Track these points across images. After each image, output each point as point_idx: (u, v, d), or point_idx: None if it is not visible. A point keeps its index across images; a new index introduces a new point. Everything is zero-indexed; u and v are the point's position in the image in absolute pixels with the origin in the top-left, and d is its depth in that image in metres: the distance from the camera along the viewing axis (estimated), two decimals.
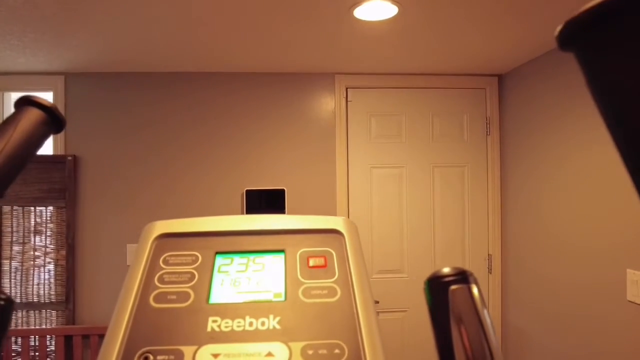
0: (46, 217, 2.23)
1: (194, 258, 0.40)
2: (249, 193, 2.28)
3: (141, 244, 0.41)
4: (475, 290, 0.34)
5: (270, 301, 0.36)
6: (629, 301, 1.54)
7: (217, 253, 0.41)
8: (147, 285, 0.37)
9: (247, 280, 0.38)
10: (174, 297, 0.35)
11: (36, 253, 2.22)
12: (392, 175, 2.38)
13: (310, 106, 2.35)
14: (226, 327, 0.33)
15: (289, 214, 2.32)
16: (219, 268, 0.39)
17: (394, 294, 2.35)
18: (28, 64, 2.11)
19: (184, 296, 0.36)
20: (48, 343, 2.15)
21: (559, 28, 0.22)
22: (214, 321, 0.33)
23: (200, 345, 0.31)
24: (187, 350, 0.30)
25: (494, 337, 0.33)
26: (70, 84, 2.27)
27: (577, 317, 1.81)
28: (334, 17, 1.60)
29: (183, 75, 2.31)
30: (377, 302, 2.33)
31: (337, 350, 0.31)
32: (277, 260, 0.41)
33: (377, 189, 2.37)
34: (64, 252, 2.22)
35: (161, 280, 0.37)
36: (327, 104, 2.36)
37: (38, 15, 1.53)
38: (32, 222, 2.22)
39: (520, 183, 2.23)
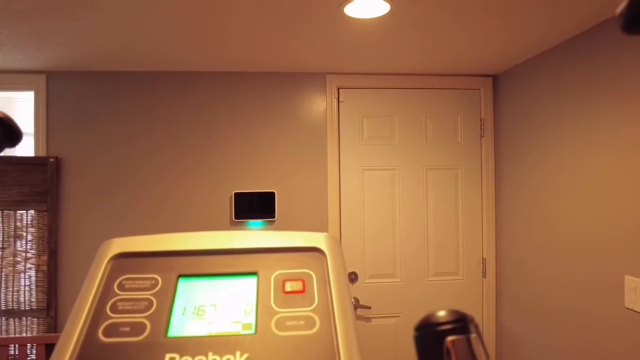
0: (27, 221, 2.15)
1: (153, 282, 0.35)
2: (237, 196, 2.21)
3: (95, 265, 0.36)
4: (476, 342, 0.28)
5: (237, 334, 0.31)
6: (627, 308, 1.50)
7: (179, 276, 0.36)
8: (97, 314, 0.32)
9: (212, 309, 0.33)
10: (127, 329, 0.31)
11: (16, 258, 2.14)
12: (384, 177, 2.33)
13: (301, 107, 2.29)
14: None
15: (279, 217, 2.26)
16: (181, 294, 0.34)
17: (387, 299, 2.30)
18: (6, 62, 2.03)
19: (138, 328, 0.31)
20: (28, 352, 2.07)
21: (621, 7, 0.18)
22: (171, 359, 0.29)
23: None
24: None
25: None
26: (52, 83, 2.19)
27: (573, 324, 1.77)
28: (325, 14, 1.55)
29: (169, 74, 2.24)
30: (369, 307, 2.28)
31: None
32: (249, 284, 0.36)
33: (369, 192, 2.32)
34: (45, 258, 2.15)
35: (114, 308, 0.32)
36: (319, 104, 2.30)
37: (11, 10, 1.46)
38: (12, 227, 2.14)
39: (515, 186, 2.19)
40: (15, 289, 2.14)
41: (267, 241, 0.38)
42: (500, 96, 2.32)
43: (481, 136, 2.37)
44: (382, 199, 2.32)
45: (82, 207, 2.20)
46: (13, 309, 2.13)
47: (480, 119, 2.37)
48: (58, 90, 2.20)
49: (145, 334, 0.31)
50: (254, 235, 0.39)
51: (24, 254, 2.15)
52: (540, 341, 1.98)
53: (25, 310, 2.13)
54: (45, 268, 2.15)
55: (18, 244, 2.14)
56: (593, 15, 1.56)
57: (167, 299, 0.34)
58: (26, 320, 2.13)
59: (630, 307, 1.49)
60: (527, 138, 2.08)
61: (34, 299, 2.14)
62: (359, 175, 2.32)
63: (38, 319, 2.13)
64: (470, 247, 2.36)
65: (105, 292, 0.34)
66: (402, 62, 2.13)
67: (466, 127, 2.37)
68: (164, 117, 2.24)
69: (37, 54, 1.95)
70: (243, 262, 0.37)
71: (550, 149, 1.91)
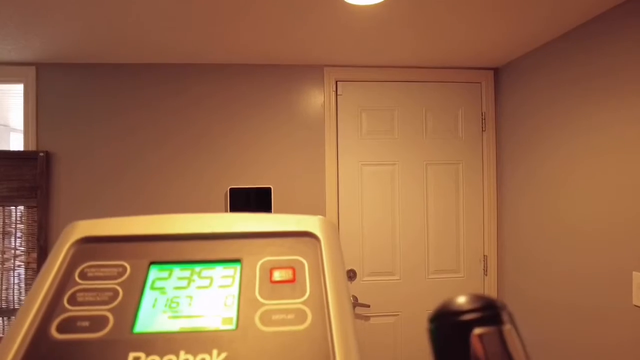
0: (16, 217, 2.09)
1: (120, 270, 0.30)
2: (233, 192, 2.16)
3: (54, 251, 0.31)
4: (512, 333, 0.22)
5: (216, 330, 0.27)
6: (635, 305, 1.46)
7: (151, 263, 0.31)
8: (52, 307, 0.27)
9: (187, 301, 0.29)
10: (85, 323, 0.26)
11: (5, 255, 2.08)
12: (383, 172, 2.28)
13: (298, 100, 2.24)
14: None
15: (275, 213, 2.20)
16: (153, 283, 0.30)
17: (386, 297, 2.25)
18: None
19: (99, 322, 0.26)
20: None
21: None
22: (136, 358, 0.24)
23: None
24: None
25: None
26: (42, 75, 2.13)
27: (579, 322, 1.72)
28: (323, 1, 1.50)
29: (163, 66, 2.19)
30: (368, 305, 2.23)
31: None
32: (231, 273, 0.31)
33: (368, 187, 2.27)
34: (35, 255, 2.09)
35: (72, 300, 0.27)
36: (316, 97, 2.25)
37: None
38: (1, 223, 2.08)
39: (517, 182, 2.15)
40: (4, 287, 2.08)
41: (252, 225, 0.33)
42: (501, 90, 2.28)
43: (482, 130, 2.32)
44: (381, 195, 2.27)
45: (73, 203, 2.14)
46: (2, 307, 2.07)
47: (482, 113, 2.32)
48: (48, 83, 2.14)
49: (107, 329, 0.26)
50: (238, 218, 0.34)
51: (12, 251, 2.09)
52: (544, 340, 1.94)
53: (14, 309, 2.07)
54: (34, 265, 2.09)
55: (7, 240, 2.08)
56: (596, 5, 1.51)
57: (136, 289, 0.29)
58: None
59: (638, 304, 1.44)
60: (530, 132, 2.03)
61: (23, 297, 2.08)
62: (358, 171, 2.27)
63: None
64: (471, 244, 2.32)
65: (64, 282, 0.29)
66: (402, 54, 2.08)
67: (467, 121, 2.32)
68: (157, 111, 2.18)
69: (26, 44, 1.89)
70: (225, 248, 0.32)
71: (555, 143, 1.86)
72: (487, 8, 1.55)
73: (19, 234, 2.09)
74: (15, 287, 2.08)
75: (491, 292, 2.30)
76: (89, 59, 2.10)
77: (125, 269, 0.30)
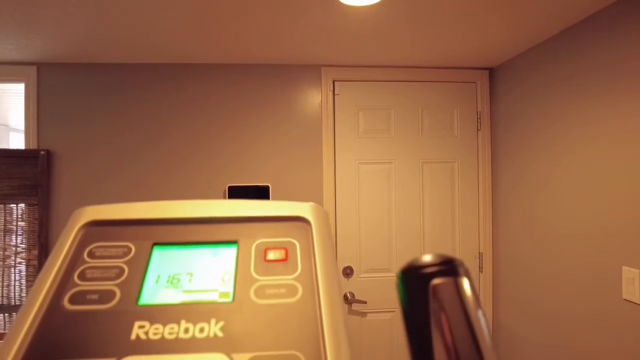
0: (17, 214, 2.11)
1: (125, 250, 0.33)
2: (232, 190, 2.19)
3: (64, 233, 0.33)
4: (466, 285, 0.25)
5: (214, 302, 0.29)
6: (625, 299, 1.49)
7: (154, 244, 0.33)
8: (63, 282, 0.29)
9: (188, 277, 0.31)
10: (94, 296, 0.29)
11: (6, 253, 2.10)
12: (380, 171, 2.31)
13: (296, 100, 2.27)
14: (155, 334, 0.26)
15: None
16: (156, 262, 0.32)
17: (382, 294, 2.28)
18: None
19: (107, 295, 0.29)
20: None
21: None
22: (141, 327, 0.27)
23: (119, 357, 0.25)
24: None
25: (493, 351, 0.24)
26: (43, 74, 2.16)
27: (571, 316, 1.75)
28: (320, 2, 1.52)
29: (162, 66, 2.21)
30: (364, 302, 2.26)
31: None
32: (228, 253, 0.33)
33: (364, 185, 2.30)
34: (36, 252, 2.11)
35: (82, 276, 0.30)
36: (314, 97, 2.28)
37: None
38: (2, 220, 2.10)
39: (512, 179, 2.18)
40: (5, 283, 2.10)
41: (248, 210, 0.36)
42: (496, 89, 2.31)
43: (478, 129, 2.36)
44: (377, 193, 2.30)
45: (73, 201, 2.16)
46: (3, 304, 2.09)
47: (477, 112, 2.35)
48: (49, 82, 2.16)
49: (115, 301, 0.29)
50: (235, 204, 0.37)
51: (14, 249, 2.11)
52: (537, 334, 1.97)
53: (15, 306, 2.10)
54: (35, 262, 2.11)
55: (8, 238, 2.10)
56: (589, 6, 1.54)
57: (140, 267, 0.32)
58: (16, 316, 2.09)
59: (627, 299, 1.47)
60: (524, 131, 2.06)
61: (24, 294, 2.10)
62: (355, 169, 2.30)
63: None
64: (466, 242, 2.35)
65: (74, 260, 0.31)
66: (398, 54, 2.11)
67: (463, 120, 2.35)
68: (156, 110, 2.21)
69: (28, 44, 1.91)
70: (223, 231, 0.35)
71: (548, 141, 1.89)
72: (482, 9, 1.58)
73: (20, 232, 2.11)
74: (17, 284, 2.11)
75: (487, 288, 2.33)
76: (90, 58, 2.13)
77: (130, 249, 0.33)
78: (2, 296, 2.10)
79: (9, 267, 2.11)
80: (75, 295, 0.29)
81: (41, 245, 2.11)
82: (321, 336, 0.27)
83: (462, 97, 2.34)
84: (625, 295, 1.48)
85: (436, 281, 0.25)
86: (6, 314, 2.09)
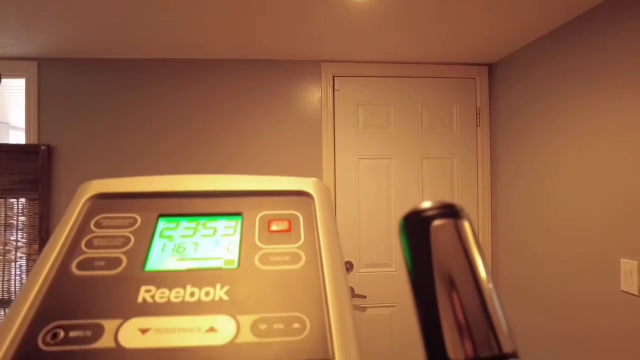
0: (17, 209, 2.12)
1: (131, 221, 0.33)
2: None
3: (71, 205, 0.34)
4: (467, 226, 0.26)
5: (219, 268, 0.30)
6: (623, 291, 1.50)
7: (160, 216, 0.34)
8: (71, 250, 0.30)
9: (193, 246, 0.32)
10: (102, 263, 0.29)
11: (6, 247, 2.11)
12: (380, 166, 2.32)
13: (296, 95, 2.28)
14: (161, 297, 0.27)
15: None
16: (161, 232, 0.33)
17: (382, 289, 2.29)
18: None
19: (114, 262, 0.30)
20: None
21: None
22: (147, 291, 0.27)
23: (126, 318, 0.25)
24: (109, 324, 0.25)
25: (493, 292, 0.24)
26: (44, 70, 2.16)
27: (570, 309, 1.76)
28: None
29: (163, 61, 2.22)
30: (364, 296, 2.26)
31: (296, 325, 0.26)
32: (232, 224, 0.34)
33: (364, 181, 2.31)
34: (36, 247, 2.11)
35: (89, 244, 0.31)
36: (314, 92, 2.28)
37: None
38: (2, 215, 2.11)
39: (511, 175, 2.19)
40: (6, 278, 2.10)
41: (253, 184, 0.37)
42: (496, 85, 2.32)
43: (477, 125, 2.37)
44: (377, 188, 2.31)
45: (73, 196, 2.16)
46: (3, 298, 2.09)
47: (476, 108, 2.36)
48: (50, 78, 2.17)
49: (121, 268, 0.29)
50: (240, 178, 0.38)
51: (14, 243, 2.11)
52: (537, 327, 1.98)
53: None
54: (36, 257, 2.11)
55: (8, 232, 2.11)
56: (587, 0, 1.56)
57: (146, 236, 0.32)
58: None
59: (626, 290, 1.48)
60: (523, 126, 2.07)
61: (15, 298, 2.11)
62: (354, 164, 2.31)
63: None
64: None
65: (81, 230, 0.32)
66: (398, 50, 2.12)
67: (462, 116, 2.36)
68: (157, 106, 2.22)
69: (29, 38, 1.92)
70: (227, 204, 0.36)
71: (547, 136, 1.90)
72: (481, 4, 1.59)
73: (20, 226, 2.12)
74: (17, 278, 2.11)
75: None
76: (91, 54, 2.13)
77: (136, 220, 0.33)
78: (3, 291, 2.10)
79: (10, 261, 2.11)
80: (82, 262, 0.29)
81: (41, 240, 2.11)
82: (324, 300, 0.27)
83: (462, 93, 2.35)
84: (623, 287, 1.49)
85: (437, 223, 0.26)
86: (6, 309, 2.09)
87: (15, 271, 2.11)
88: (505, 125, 2.23)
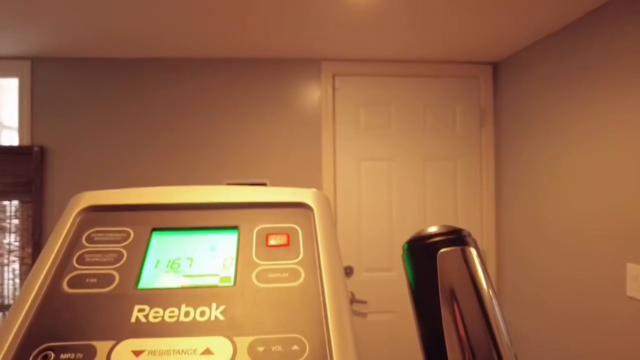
0: (10, 212, 2.07)
1: (124, 235, 0.32)
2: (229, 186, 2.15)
3: (63, 218, 0.33)
4: (474, 254, 0.25)
5: (214, 286, 0.29)
6: (629, 297, 1.46)
7: (153, 230, 0.33)
8: (62, 266, 0.29)
9: (188, 262, 0.31)
10: (93, 280, 0.29)
11: None
12: (381, 168, 2.27)
13: (295, 95, 2.23)
14: (155, 317, 0.26)
15: None
16: (155, 247, 0.32)
17: (383, 294, 2.24)
18: None
19: (106, 279, 0.29)
20: None
21: None
22: (141, 310, 0.27)
23: (119, 340, 0.25)
24: (102, 346, 0.25)
25: (500, 320, 0.23)
26: (37, 69, 2.12)
27: (575, 314, 1.72)
28: None
29: (159, 61, 2.17)
30: (364, 302, 2.22)
31: (295, 347, 0.25)
32: (229, 238, 0.33)
33: (365, 183, 2.26)
34: (29, 250, 2.07)
35: (81, 260, 0.30)
36: (313, 92, 2.24)
37: None
38: None
39: (515, 177, 2.15)
40: None
41: (249, 196, 0.35)
42: (500, 85, 2.28)
43: (480, 126, 2.32)
44: (378, 190, 2.27)
45: (68, 198, 2.12)
46: None
47: (480, 109, 2.32)
48: (43, 77, 2.12)
49: (113, 285, 0.28)
50: (236, 190, 0.36)
51: (7, 247, 2.07)
52: (542, 332, 1.94)
53: (8, 305, 2.06)
54: (29, 261, 2.07)
55: (1, 236, 2.06)
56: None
57: (139, 251, 0.31)
58: None
59: (632, 296, 1.44)
60: (528, 127, 2.03)
61: (17, 293, 2.06)
62: (355, 166, 2.26)
63: None
64: None
65: (72, 245, 0.31)
66: (400, 48, 2.08)
67: (465, 116, 2.32)
68: (152, 106, 2.17)
69: (22, 38, 1.87)
70: (223, 217, 0.34)
71: (552, 137, 1.86)
72: (485, 2, 1.55)
73: (13, 229, 2.07)
74: (10, 282, 2.07)
75: None
76: (85, 53, 2.09)
77: (129, 234, 0.32)
78: None
79: (2, 265, 2.07)
80: (74, 279, 0.29)
81: (35, 243, 2.07)
82: (324, 320, 0.26)
83: (465, 92, 2.31)
84: (629, 293, 1.45)
85: (444, 250, 0.25)
86: (0, 313, 2.05)
87: (8, 275, 2.07)
88: (509, 126, 2.19)
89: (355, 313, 2.23)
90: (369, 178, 2.27)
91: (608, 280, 1.54)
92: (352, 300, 2.21)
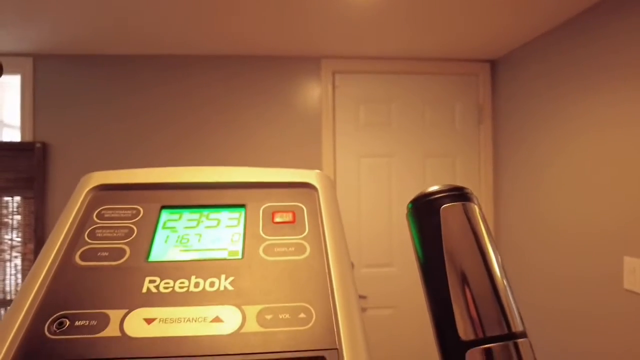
0: (12, 208, 2.08)
1: (134, 212, 0.33)
2: None
3: (73, 196, 0.34)
4: (476, 209, 0.26)
5: (223, 259, 0.30)
6: (626, 290, 1.48)
7: (163, 207, 0.34)
8: (74, 241, 0.30)
9: (197, 238, 0.32)
10: (105, 254, 0.29)
11: (1, 247, 2.07)
12: (380, 165, 2.29)
13: (295, 92, 2.25)
14: (166, 288, 0.27)
15: None
16: (165, 224, 0.33)
17: (383, 289, 2.26)
18: None
19: (117, 253, 0.30)
20: None
21: None
22: (152, 281, 0.27)
23: (131, 308, 0.26)
24: (114, 314, 0.25)
25: (502, 271, 0.24)
26: (39, 66, 2.13)
27: (572, 308, 1.74)
28: None
29: (160, 58, 2.19)
30: (364, 297, 2.24)
31: (302, 315, 0.26)
32: (236, 216, 0.34)
33: (365, 179, 2.28)
34: (31, 246, 2.08)
35: (92, 235, 0.31)
36: (313, 89, 2.26)
37: None
38: None
39: (513, 173, 2.17)
40: (1, 278, 2.07)
41: (256, 176, 0.37)
42: (498, 82, 2.30)
43: (479, 123, 2.35)
44: (378, 186, 2.29)
45: (69, 194, 2.12)
46: None
47: (478, 106, 2.34)
48: (45, 74, 2.13)
49: (124, 258, 0.29)
50: (243, 170, 0.37)
51: (9, 243, 2.08)
52: (540, 328, 1.96)
53: (11, 300, 2.07)
54: (31, 257, 2.08)
55: (3, 231, 2.07)
56: None
57: (149, 227, 0.32)
58: None
59: (629, 289, 1.47)
60: (526, 123, 2.06)
61: (19, 289, 2.08)
62: (355, 163, 2.28)
63: None
64: None
65: (83, 222, 0.32)
66: (399, 45, 2.10)
67: (464, 113, 2.34)
68: (153, 103, 2.19)
69: (24, 34, 1.89)
70: (230, 195, 0.35)
71: (550, 133, 1.89)
72: (484, 1, 1.57)
73: (15, 225, 2.08)
74: (12, 278, 2.08)
75: None
76: (86, 50, 2.10)
77: (138, 211, 0.33)
78: None
79: (5, 261, 2.08)
80: (86, 253, 0.29)
81: (37, 239, 2.08)
82: (330, 290, 0.27)
83: (464, 89, 2.33)
84: (626, 286, 1.48)
85: (447, 206, 0.26)
86: (2, 308, 2.06)
87: (10, 270, 2.08)
88: (507, 123, 2.22)
89: None
90: (368, 174, 2.28)
91: (605, 273, 1.57)
92: None
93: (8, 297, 2.07)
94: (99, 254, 0.29)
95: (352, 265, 2.21)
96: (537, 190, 1.97)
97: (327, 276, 0.28)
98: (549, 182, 1.89)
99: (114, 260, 0.29)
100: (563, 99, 1.80)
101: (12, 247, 2.08)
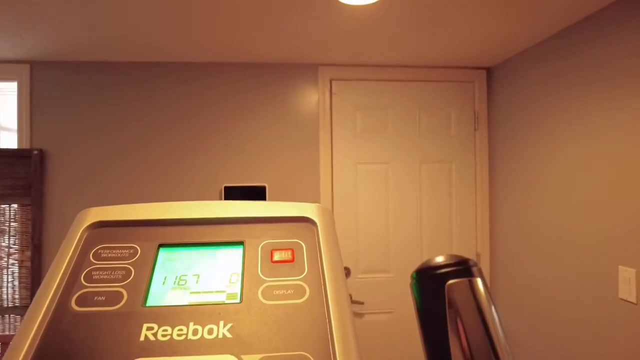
0: (9, 215, 2.08)
1: (131, 251, 0.33)
2: (228, 190, 2.17)
3: (69, 234, 0.34)
4: (480, 285, 0.26)
5: (222, 303, 0.29)
6: (621, 299, 1.49)
7: (160, 246, 0.33)
8: (70, 284, 0.30)
9: (194, 279, 0.31)
10: (102, 298, 0.29)
11: None
12: (377, 171, 2.30)
13: (293, 99, 2.26)
14: (164, 335, 0.26)
15: None
16: (162, 264, 0.32)
17: (380, 295, 2.27)
18: None
19: (114, 297, 0.29)
20: None
21: None
22: (150, 328, 0.27)
23: (129, 359, 0.25)
24: None
25: (506, 348, 0.24)
26: (36, 73, 2.13)
27: (567, 317, 1.75)
28: (317, 1, 1.51)
29: (157, 65, 2.19)
30: (361, 302, 2.25)
31: None
32: (234, 254, 0.33)
33: (362, 185, 2.29)
34: (29, 253, 2.08)
35: (89, 278, 0.30)
36: (311, 96, 2.26)
37: None
38: None
39: (509, 179, 2.18)
40: None
41: (254, 211, 0.36)
42: (494, 89, 2.31)
43: (475, 129, 2.36)
44: (375, 193, 2.30)
45: (67, 201, 2.13)
46: None
47: (474, 112, 2.36)
48: (42, 81, 2.13)
49: (122, 303, 0.29)
50: (240, 205, 0.37)
51: (6, 250, 2.08)
52: (534, 335, 1.97)
53: (8, 308, 2.07)
54: (29, 264, 2.08)
55: (0, 239, 2.07)
56: (587, 6, 1.55)
57: (147, 268, 0.32)
58: (9, 318, 2.06)
59: (624, 298, 1.48)
60: (521, 131, 2.07)
61: (17, 296, 2.07)
62: (352, 169, 2.29)
63: (21, 316, 2.07)
64: (464, 242, 2.35)
65: (80, 262, 0.31)
66: (396, 54, 2.11)
67: (460, 120, 2.35)
68: (151, 109, 2.19)
69: (21, 42, 1.89)
70: (228, 232, 0.35)
71: (545, 141, 1.90)
72: (480, 9, 1.58)
73: (12, 232, 2.08)
74: (9, 285, 2.08)
75: None
76: (84, 57, 2.10)
77: (136, 250, 0.33)
78: None
79: (2, 268, 2.07)
80: (82, 297, 0.29)
81: (34, 247, 2.08)
82: (330, 337, 0.27)
83: (460, 96, 2.34)
84: (621, 295, 1.49)
85: (452, 282, 0.26)
86: None
87: (8, 278, 2.08)
88: (503, 129, 2.23)
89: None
90: (365, 180, 2.29)
91: (600, 283, 1.58)
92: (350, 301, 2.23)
93: (6, 305, 2.06)
94: (95, 298, 0.29)
95: (349, 271, 2.22)
96: (531, 197, 1.98)
97: (327, 322, 0.28)
98: (545, 189, 1.90)
99: (111, 305, 0.28)
100: (558, 106, 1.81)
101: (9, 255, 2.08)
